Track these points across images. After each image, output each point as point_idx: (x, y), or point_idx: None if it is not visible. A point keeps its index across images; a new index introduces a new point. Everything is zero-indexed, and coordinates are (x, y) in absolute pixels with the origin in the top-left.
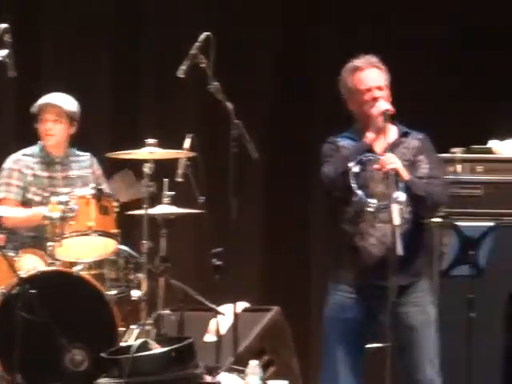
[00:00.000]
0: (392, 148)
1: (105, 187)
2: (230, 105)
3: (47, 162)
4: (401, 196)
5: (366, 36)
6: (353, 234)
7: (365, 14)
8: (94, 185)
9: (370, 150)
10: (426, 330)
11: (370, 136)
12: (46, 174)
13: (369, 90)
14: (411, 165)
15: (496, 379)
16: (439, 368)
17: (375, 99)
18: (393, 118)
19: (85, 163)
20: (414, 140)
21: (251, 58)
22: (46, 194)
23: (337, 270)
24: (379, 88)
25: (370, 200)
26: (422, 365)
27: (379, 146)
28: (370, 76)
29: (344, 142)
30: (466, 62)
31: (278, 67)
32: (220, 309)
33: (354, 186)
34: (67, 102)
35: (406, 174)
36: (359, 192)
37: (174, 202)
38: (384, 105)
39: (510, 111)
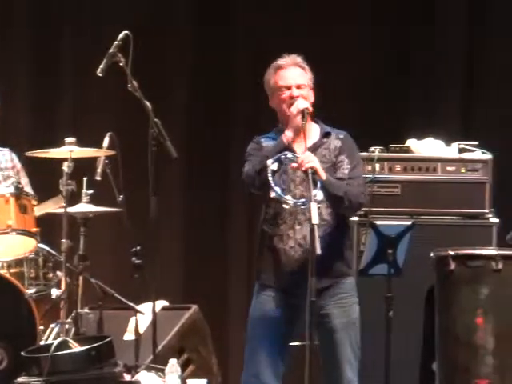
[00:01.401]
0: (313, 149)
1: (25, 183)
2: (148, 104)
3: None
4: (318, 195)
5: (282, 36)
6: (272, 235)
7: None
8: (14, 179)
9: (291, 149)
10: (347, 331)
11: (288, 134)
12: None
13: (288, 87)
14: (332, 166)
15: (414, 378)
16: (357, 368)
17: (293, 97)
18: (316, 118)
19: (5, 157)
20: (336, 140)
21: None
22: None
23: (259, 271)
24: (299, 86)
25: (286, 197)
26: (342, 365)
27: (300, 146)
28: (291, 74)
29: (267, 143)
30: (387, 62)
31: (195, 64)
32: (139, 307)
33: (271, 182)
34: None
35: (323, 174)
36: (276, 189)
37: (93, 200)
38: (302, 103)
39: (428, 110)
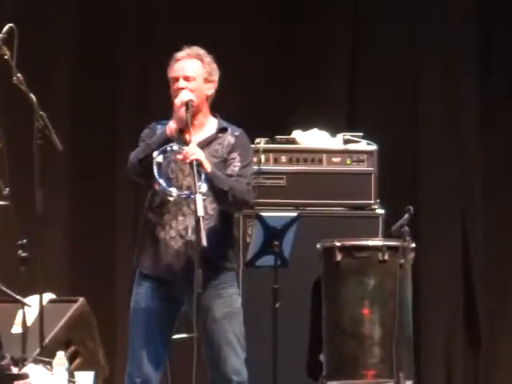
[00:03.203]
0: (207, 143)
1: None
2: (33, 96)
3: None
4: (202, 187)
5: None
6: (156, 224)
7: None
8: None
9: (176, 140)
10: (229, 320)
11: (171, 126)
12: None
13: (176, 79)
14: (223, 161)
15: (301, 369)
16: (244, 359)
17: (178, 89)
18: (215, 111)
19: None
20: (230, 136)
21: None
22: None
23: (139, 260)
24: (186, 78)
25: (171, 189)
26: (227, 355)
27: (193, 138)
28: (181, 66)
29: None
30: (272, 54)
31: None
32: (26, 300)
33: (156, 175)
34: None
35: (208, 166)
36: (161, 181)
37: None
38: (186, 95)
39: (313, 101)
